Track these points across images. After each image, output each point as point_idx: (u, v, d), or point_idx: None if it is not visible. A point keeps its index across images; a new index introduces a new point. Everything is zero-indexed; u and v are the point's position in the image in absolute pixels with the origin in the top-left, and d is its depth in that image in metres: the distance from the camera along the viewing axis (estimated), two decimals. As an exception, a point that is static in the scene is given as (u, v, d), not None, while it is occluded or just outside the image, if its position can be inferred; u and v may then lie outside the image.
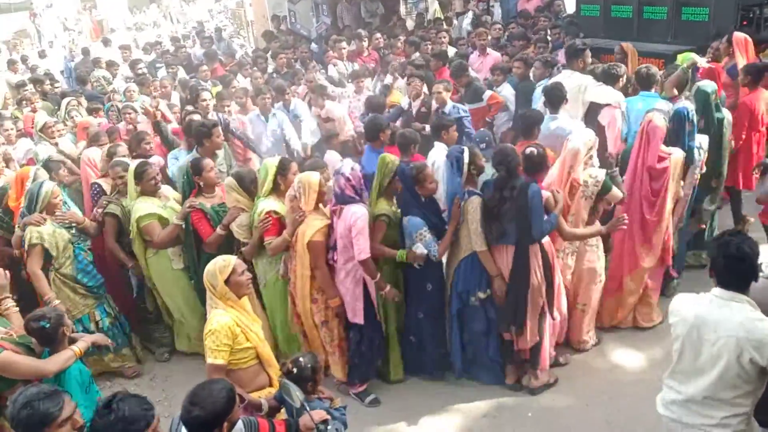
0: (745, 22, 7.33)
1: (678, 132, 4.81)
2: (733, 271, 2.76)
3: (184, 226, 4.81)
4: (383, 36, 10.13)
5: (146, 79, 8.73)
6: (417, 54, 8.63)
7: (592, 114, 5.78)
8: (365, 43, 9.60)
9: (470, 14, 11.14)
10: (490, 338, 4.49)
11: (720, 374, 2.72)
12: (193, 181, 4.88)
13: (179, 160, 5.82)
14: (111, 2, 30.58)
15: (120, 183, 5.09)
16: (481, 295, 4.34)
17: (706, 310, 2.79)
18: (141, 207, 4.82)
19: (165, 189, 5.17)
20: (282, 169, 4.56)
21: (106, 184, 5.31)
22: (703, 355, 2.78)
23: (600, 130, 5.37)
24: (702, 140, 4.99)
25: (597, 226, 4.51)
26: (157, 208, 4.87)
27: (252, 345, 3.37)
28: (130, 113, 6.98)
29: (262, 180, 4.60)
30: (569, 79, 5.93)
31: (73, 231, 4.86)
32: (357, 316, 4.36)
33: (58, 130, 6.76)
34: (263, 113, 6.89)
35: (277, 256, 4.54)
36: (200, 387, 2.66)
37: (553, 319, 4.43)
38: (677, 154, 4.73)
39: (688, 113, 4.84)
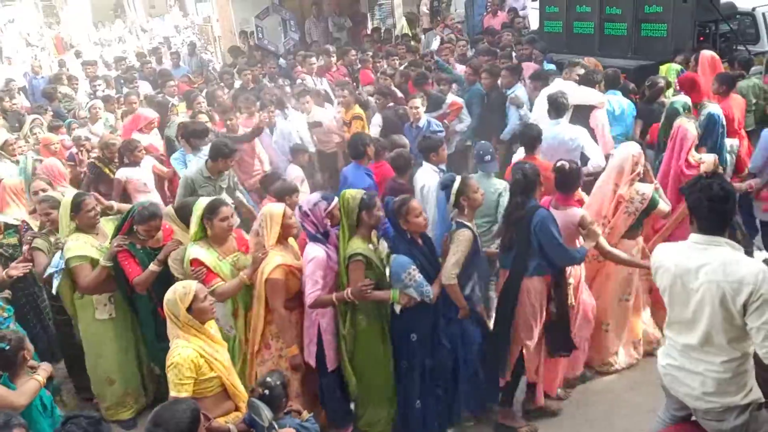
0: (702, 38, 7.58)
1: (710, 135, 4.91)
2: (717, 212, 2.74)
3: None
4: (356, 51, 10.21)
5: (110, 96, 8.62)
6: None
7: (578, 117, 5.87)
8: (333, 59, 9.65)
9: (438, 38, 11.28)
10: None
11: (709, 320, 2.71)
12: (126, 221, 4.29)
13: (187, 164, 5.88)
14: (75, 17, 30.15)
15: (47, 220, 4.60)
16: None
17: (686, 258, 2.79)
18: (73, 246, 4.22)
19: (103, 226, 4.56)
20: (209, 212, 3.94)
21: (33, 222, 4.92)
22: (690, 304, 2.78)
23: (592, 133, 5.56)
24: (733, 143, 5.08)
25: (638, 259, 4.27)
26: (92, 249, 4.28)
27: (216, 374, 3.23)
28: (84, 144, 6.79)
29: (192, 221, 4.03)
30: (553, 85, 6.11)
31: None
32: (310, 357, 3.98)
33: (20, 147, 6.60)
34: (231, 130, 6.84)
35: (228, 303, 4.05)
36: (163, 408, 2.62)
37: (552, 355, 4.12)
38: (708, 159, 4.74)
39: (719, 117, 4.92)
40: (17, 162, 6.37)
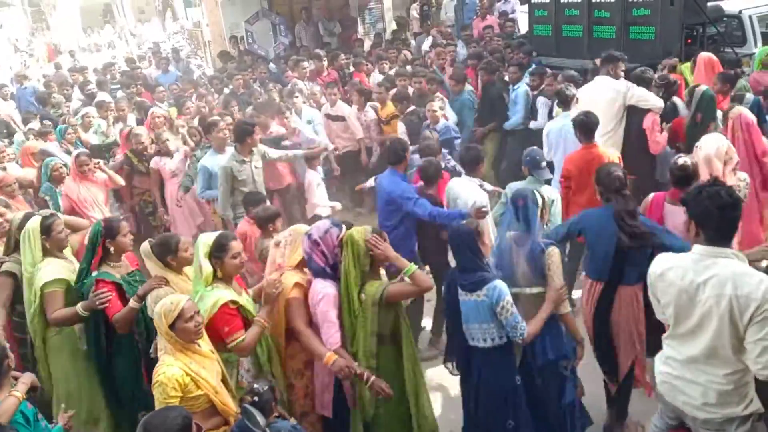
0: (689, 41, 7.63)
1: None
2: (727, 221, 2.63)
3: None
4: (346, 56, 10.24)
5: (103, 102, 8.59)
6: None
7: (631, 118, 5.99)
8: (325, 63, 9.66)
9: (430, 38, 11.34)
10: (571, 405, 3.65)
11: (716, 333, 2.63)
12: (98, 245, 3.83)
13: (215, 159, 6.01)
14: (64, 23, 30.02)
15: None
16: (565, 363, 3.55)
17: (693, 271, 2.68)
18: (48, 271, 3.88)
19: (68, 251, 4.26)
20: (217, 251, 3.50)
21: None
22: (696, 317, 2.70)
23: (642, 134, 5.75)
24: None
25: None
26: (68, 273, 3.96)
27: (203, 392, 3.10)
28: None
29: (198, 265, 3.54)
30: (603, 83, 6.11)
31: None
32: (326, 408, 3.63)
33: (8, 156, 6.58)
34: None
35: (231, 360, 3.56)
36: (154, 414, 2.58)
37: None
38: None
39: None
40: (4, 169, 6.33)
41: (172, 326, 3.05)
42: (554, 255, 3.45)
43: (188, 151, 6.61)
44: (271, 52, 12.41)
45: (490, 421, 3.47)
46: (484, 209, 4.18)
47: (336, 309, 3.46)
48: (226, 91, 9.22)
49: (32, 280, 3.91)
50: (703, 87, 5.68)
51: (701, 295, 2.65)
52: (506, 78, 7.52)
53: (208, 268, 3.48)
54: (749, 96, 5.55)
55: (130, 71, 11.72)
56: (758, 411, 2.76)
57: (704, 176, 4.18)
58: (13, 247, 4.16)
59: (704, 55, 6.65)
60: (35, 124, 7.88)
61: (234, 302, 3.46)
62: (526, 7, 10.57)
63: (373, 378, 3.36)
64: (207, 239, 3.55)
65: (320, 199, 6.39)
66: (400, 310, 3.55)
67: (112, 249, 3.85)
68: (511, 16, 11.48)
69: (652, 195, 4.25)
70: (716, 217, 2.63)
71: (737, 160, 4.42)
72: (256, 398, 3.14)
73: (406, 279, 3.49)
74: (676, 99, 6.14)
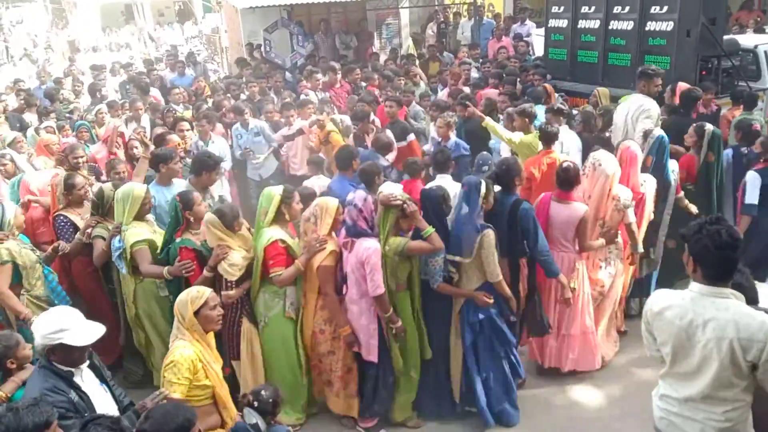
0: (704, 72, 7.68)
1: (660, 157, 5.25)
2: (726, 261, 2.60)
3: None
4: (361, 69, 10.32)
5: (115, 102, 8.68)
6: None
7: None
8: (338, 75, 9.75)
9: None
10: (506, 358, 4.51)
11: (715, 375, 2.61)
12: (181, 217, 4.50)
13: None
14: (84, 21, 30.34)
15: (79, 195, 5.01)
16: (513, 318, 4.46)
17: (691, 311, 2.65)
18: (134, 232, 4.57)
19: (150, 216, 4.88)
20: (286, 198, 4.37)
21: (71, 215, 5.05)
22: (695, 357, 2.67)
23: None
24: (674, 166, 5.38)
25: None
26: (149, 233, 4.65)
27: (210, 384, 3.26)
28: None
29: (263, 209, 4.37)
30: (634, 100, 6.17)
31: (38, 253, 4.63)
32: (372, 354, 4.26)
33: (25, 146, 6.68)
34: (202, 139, 6.98)
35: (279, 292, 4.35)
36: (160, 406, 2.65)
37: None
38: (651, 182, 5.11)
39: (667, 140, 5.28)
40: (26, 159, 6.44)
41: (196, 313, 3.27)
42: (487, 236, 4.13)
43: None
44: (287, 61, 12.52)
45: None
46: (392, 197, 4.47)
47: (380, 261, 4.10)
48: (243, 97, 9.29)
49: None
50: (711, 127, 5.70)
51: (701, 336, 2.63)
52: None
53: (272, 213, 4.30)
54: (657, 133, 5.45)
55: (146, 72, 11.83)
56: None
57: (600, 190, 4.75)
58: (104, 214, 4.87)
59: (683, 85, 6.84)
60: (50, 122, 7.95)
61: (283, 241, 4.22)
62: (541, 31, 10.66)
63: (397, 324, 4.18)
64: (276, 190, 4.40)
65: None
66: (415, 263, 4.27)
67: (191, 219, 4.49)
68: (525, 39, 11.57)
69: (541, 195, 4.85)
70: (715, 257, 2.59)
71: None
72: (255, 402, 3.15)
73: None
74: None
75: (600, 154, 4.86)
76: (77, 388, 2.94)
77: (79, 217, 5.07)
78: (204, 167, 5.15)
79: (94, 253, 4.84)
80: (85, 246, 4.88)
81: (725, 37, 8.09)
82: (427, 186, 5.12)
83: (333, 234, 4.38)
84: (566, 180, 4.63)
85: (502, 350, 4.42)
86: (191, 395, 3.20)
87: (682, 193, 5.46)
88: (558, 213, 4.68)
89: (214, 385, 3.27)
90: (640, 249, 5.04)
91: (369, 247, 4.06)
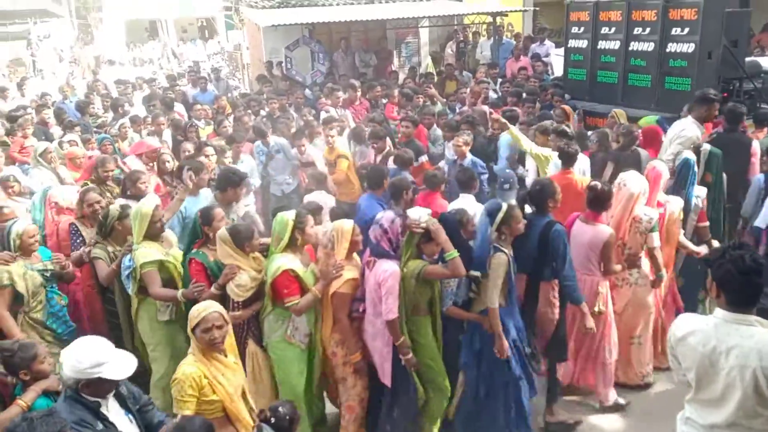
0: (726, 94, 7.63)
1: (683, 180, 5.19)
2: (750, 286, 2.57)
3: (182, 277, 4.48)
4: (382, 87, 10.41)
5: (137, 116, 8.82)
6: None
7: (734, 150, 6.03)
8: (358, 93, 9.85)
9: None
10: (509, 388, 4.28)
11: (739, 404, 2.58)
12: (200, 231, 4.48)
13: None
14: (109, 37, 31.00)
15: (90, 212, 4.99)
16: (528, 349, 4.29)
17: (715, 337, 2.62)
18: (143, 253, 4.44)
19: (168, 234, 4.82)
20: (299, 223, 4.23)
21: (82, 226, 5.11)
22: (719, 384, 2.64)
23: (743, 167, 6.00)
24: (700, 192, 5.31)
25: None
26: (160, 255, 4.50)
27: (218, 398, 3.23)
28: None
29: (277, 234, 4.23)
30: (682, 124, 6.08)
31: (48, 274, 4.53)
32: (386, 377, 4.14)
33: (52, 156, 6.80)
34: (234, 161, 7.11)
35: (284, 314, 4.21)
36: (179, 426, 2.65)
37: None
38: (674, 204, 5.00)
39: (693, 163, 5.24)
40: (52, 169, 6.59)
41: (193, 330, 3.24)
42: (495, 259, 4.05)
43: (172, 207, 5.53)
44: (308, 78, 12.67)
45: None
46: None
47: (398, 285, 3.99)
48: (263, 113, 9.42)
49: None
50: (708, 147, 5.71)
51: (724, 363, 2.60)
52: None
53: (286, 239, 4.17)
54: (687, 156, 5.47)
55: (169, 88, 12.04)
56: None
57: (621, 210, 4.69)
58: (107, 234, 4.76)
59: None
60: (73, 135, 8.08)
61: (293, 270, 4.08)
62: (560, 51, 10.69)
63: (408, 356, 4.03)
64: (288, 215, 4.24)
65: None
66: (437, 288, 4.17)
67: (210, 234, 4.40)
68: (544, 58, 11.61)
69: (572, 215, 4.76)
70: (738, 282, 2.57)
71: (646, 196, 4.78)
72: (272, 419, 3.16)
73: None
74: (641, 150, 6.21)
75: (627, 175, 4.79)
76: (104, 419, 2.90)
77: (91, 231, 5.02)
78: (229, 183, 5.21)
79: (99, 274, 4.74)
80: (88, 262, 4.83)
81: (747, 59, 8.05)
82: (449, 207, 5.18)
83: (354, 256, 4.28)
84: (595, 200, 4.54)
85: (503, 381, 4.20)
86: (202, 409, 3.21)
87: (707, 223, 5.32)
88: (582, 234, 4.57)
89: (222, 400, 3.23)
90: (664, 275, 4.86)
91: (387, 269, 3.97)
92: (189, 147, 7.04)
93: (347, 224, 4.18)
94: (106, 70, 17.24)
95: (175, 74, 15.80)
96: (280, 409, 3.22)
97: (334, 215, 5.08)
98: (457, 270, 3.94)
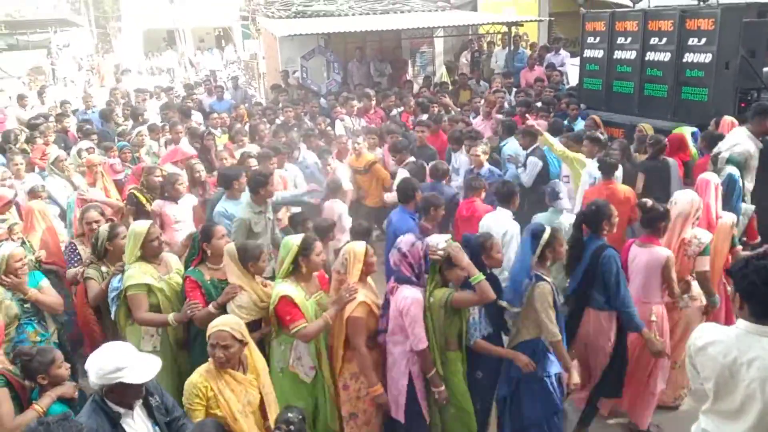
0: (743, 104, 7.56)
1: (729, 196, 5.15)
2: None
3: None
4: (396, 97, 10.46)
5: (155, 125, 8.91)
6: (425, 115, 8.96)
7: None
8: (373, 102, 9.89)
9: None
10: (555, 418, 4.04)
11: (759, 417, 2.53)
12: (197, 250, 4.31)
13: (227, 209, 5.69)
14: (127, 46, 31.41)
15: (89, 230, 4.86)
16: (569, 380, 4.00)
17: (736, 348, 2.58)
18: (133, 274, 4.19)
19: (168, 257, 4.58)
20: (305, 249, 3.95)
21: (81, 245, 5.05)
22: (738, 395, 2.60)
23: None
24: (747, 208, 5.29)
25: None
26: (150, 278, 4.23)
27: (221, 414, 3.20)
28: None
29: (281, 259, 4.03)
30: (736, 137, 5.96)
31: (27, 305, 4.25)
32: (399, 412, 3.87)
33: (67, 165, 6.91)
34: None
35: (287, 341, 3.95)
36: (199, 426, 2.68)
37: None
38: (728, 217, 4.93)
39: (738, 178, 5.23)
40: (69, 179, 6.70)
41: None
42: (539, 289, 3.79)
43: (200, 202, 6.28)
44: (323, 87, 12.76)
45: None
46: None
47: (422, 312, 3.76)
48: (278, 121, 9.48)
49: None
50: (727, 153, 5.68)
51: (744, 375, 2.56)
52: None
53: (287, 265, 3.95)
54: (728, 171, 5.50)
55: (186, 96, 12.16)
56: None
57: (670, 231, 4.47)
58: (101, 255, 4.61)
59: (727, 118, 6.72)
60: (89, 143, 8.18)
61: (290, 297, 3.81)
62: (575, 60, 10.67)
63: (439, 389, 3.79)
64: (295, 240, 4.01)
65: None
66: (464, 318, 3.87)
67: (209, 252, 4.24)
68: (559, 68, 11.59)
69: (629, 241, 4.57)
70: (762, 293, 2.52)
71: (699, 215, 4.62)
72: (291, 427, 3.13)
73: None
74: (670, 159, 6.23)
75: (680, 193, 4.64)
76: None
77: (89, 250, 4.86)
78: (259, 184, 5.44)
79: (89, 294, 4.55)
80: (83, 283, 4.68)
81: (765, 69, 7.98)
82: (483, 218, 5.18)
83: (369, 280, 4.06)
84: (649, 220, 4.33)
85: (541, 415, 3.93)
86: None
87: (758, 239, 5.24)
88: (638, 259, 4.31)
89: (225, 417, 3.21)
90: (717, 301, 4.60)
91: (407, 296, 3.73)
92: (225, 155, 7.29)
93: (359, 246, 3.95)
94: (123, 79, 17.45)
95: (192, 83, 15.97)
96: (290, 414, 3.21)
97: (356, 226, 5.08)
98: (486, 294, 3.67)
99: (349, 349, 3.89)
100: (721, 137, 6.24)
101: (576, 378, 3.96)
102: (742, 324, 2.62)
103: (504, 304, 3.88)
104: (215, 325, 3.28)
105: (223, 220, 5.46)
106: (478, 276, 3.68)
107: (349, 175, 7.29)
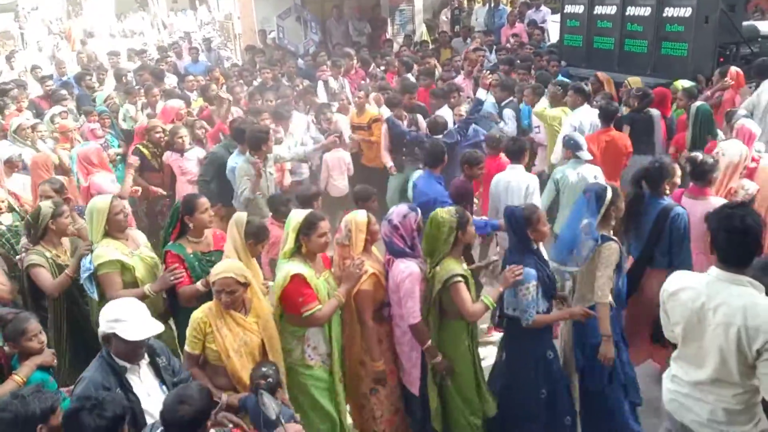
0: (722, 59, 7.58)
1: None
2: (736, 245, 2.58)
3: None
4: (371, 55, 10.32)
5: (132, 88, 8.70)
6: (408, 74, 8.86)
7: None
8: (354, 61, 9.74)
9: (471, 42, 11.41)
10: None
11: (722, 360, 2.60)
12: (177, 220, 4.06)
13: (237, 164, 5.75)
14: (98, 8, 30.42)
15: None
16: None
17: (705, 294, 2.65)
18: (103, 252, 3.90)
19: (134, 232, 4.35)
20: (307, 228, 3.63)
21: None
22: (704, 341, 2.66)
23: None
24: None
25: None
26: (121, 255, 3.96)
27: (215, 348, 3.32)
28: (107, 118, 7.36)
29: (284, 236, 3.74)
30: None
31: None
32: (413, 386, 3.78)
33: (40, 132, 6.74)
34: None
35: (298, 333, 3.66)
36: (182, 388, 2.70)
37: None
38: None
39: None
40: (31, 145, 6.56)
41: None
42: (606, 249, 3.64)
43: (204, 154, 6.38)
44: (300, 48, 12.51)
45: (522, 390, 3.75)
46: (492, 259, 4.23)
47: (420, 285, 3.63)
48: (255, 83, 9.30)
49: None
50: (698, 103, 5.86)
51: (711, 320, 2.63)
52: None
53: (290, 243, 3.63)
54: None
55: (160, 59, 11.85)
56: (767, 430, 2.74)
57: (719, 182, 4.44)
58: (39, 237, 4.21)
59: (734, 69, 6.78)
60: (65, 105, 7.97)
61: (302, 276, 3.54)
62: (557, 17, 10.56)
63: (436, 359, 3.64)
64: (298, 216, 3.69)
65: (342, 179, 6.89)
66: (472, 288, 3.70)
67: (191, 225, 4.03)
68: (540, 25, 11.46)
69: (676, 191, 4.43)
70: (723, 240, 2.60)
71: (745, 165, 4.63)
72: (270, 380, 3.20)
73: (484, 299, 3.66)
74: (654, 111, 6.33)
75: (725, 144, 4.61)
76: (128, 390, 2.91)
77: None
78: (260, 141, 5.61)
79: (42, 284, 4.07)
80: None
81: (744, 23, 7.99)
82: (497, 176, 5.19)
83: (373, 250, 3.87)
84: (699, 173, 4.23)
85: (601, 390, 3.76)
86: (206, 353, 3.38)
87: None
88: (692, 211, 4.12)
89: (220, 351, 3.31)
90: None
91: (403, 270, 3.60)
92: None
93: (361, 215, 3.76)
94: (92, 42, 16.93)
95: (166, 45, 15.56)
96: (263, 368, 3.28)
97: (359, 191, 4.98)
98: (477, 315, 3.58)
99: (360, 323, 3.76)
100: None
101: (611, 352, 3.67)
102: (713, 271, 2.68)
103: (566, 267, 3.76)
104: (219, 273, 3.32)
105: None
106: (491, 301, 3.58)
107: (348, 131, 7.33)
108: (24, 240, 4.45)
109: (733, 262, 2.62)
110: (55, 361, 3.46)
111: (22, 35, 23.98)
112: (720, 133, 5.83)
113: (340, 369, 3.78)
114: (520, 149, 5.32)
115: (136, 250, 4.11)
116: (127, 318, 2.93)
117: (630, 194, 4.21)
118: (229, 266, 3.39)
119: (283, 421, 2.98)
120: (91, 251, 3.95)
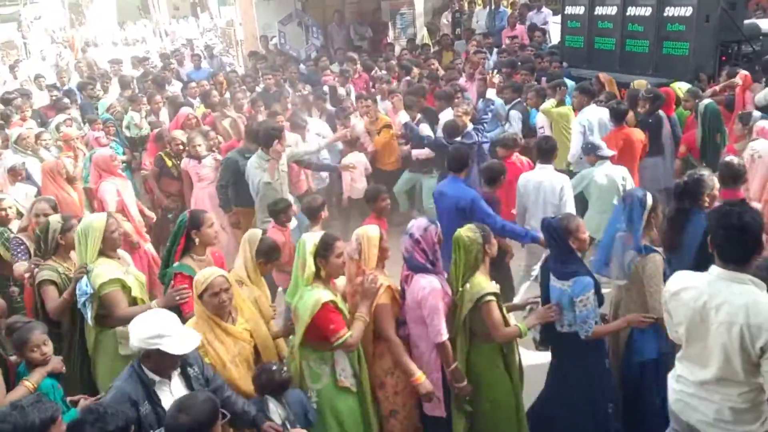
0: (723, 58, 7.58)
1: None
2: (733, 243, 2.57)
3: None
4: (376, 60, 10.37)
5: (136, 96, 8.75)
6: (408, 77, 8.89)
7: None
8: (357, 66, 9.78)
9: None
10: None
11: (726, 359, 2.60)
12: (180, 235, 3.93)
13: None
14: (100, 16, 30.57)
15: (36, 222, 4.38)
16: None
17: (707, 293, 2.64)
18: (103, 271, 3.78)
19: (121, 252, 4.21)
20: (324, 250, 3.49)
21: (28, 240, 4.58)
22: (708, 340, 2.66)
23: None
24: None
25: None
26: (120, 273, 3.87)
27: (209, 361, 3.25)
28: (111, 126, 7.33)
29: (300, 261, 3.59)
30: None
31: None
32: (434, 409, 3.60)
33: (44, 141, 6.78)
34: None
35: (325, 357, 3.50)
36: (186, 397, 2.69)
37: None
38: None
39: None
40: (33, 154, 6.60)
41: (200, 296, 3.28)
42: (652, 261, 3.47)
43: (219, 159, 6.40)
44: (302, 53, 12.55)
45: (581, 405, 3.57)
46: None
47: (443, 302, 3.50)
48: (258, 89, 9.34)
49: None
50: (706, 101, 5.90)
51: (713, 319, 2.63)
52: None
53: (311, 267, 3.49)
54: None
55: (163, 67, 11.91)
56: None
57: (759, 183, 4.44)
58: (52, 251, 4.12)
59: (743, 71, 6.78)
60: (68, 113, 8.02)
61: (333, 302, 3.45)
62: (558, 18, 10.57)
63: (461, 384, 3.50)
64: (313, 238, 3.57)
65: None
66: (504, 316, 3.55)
67: (197, 240, 3.92)
68: (541, 26, 11.47)
69: None
70: (721, 237, 2.60)
71: None
72: (275, 376, 3.21)
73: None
74: (661, 112, 6.38)
75: (759, 144, 4.58)
76: (156, 403, 2.86)
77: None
78: (272, 138, 5.60)
79: (48, 304, 3.93)
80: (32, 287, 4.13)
81: (746, 21, 7.97)
82: (523, 176, 5.23)
83: (383, 265, 3.73)
84: (733, 177, 4.17)
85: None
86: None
87: None
88: None
89: (214, 365, 3.27)
90: None
91: (424, 286, 3.46)
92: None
93: (373, 229, 3.65)
94: (93, 51, 17.04)
95: (168, 53, 15.63)
96: (273, 367, 3.28)
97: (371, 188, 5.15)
98: (508, 339, 3.49)
99: (378, 344, 3.62)
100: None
101: None
102: (714, 270, 2.68)
103: (608, 280, 3.59)
104: (210, 274, 3.29)
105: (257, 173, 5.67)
106: (526, 331, 3.52)
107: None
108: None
109: (731, 260, 2.62)
110: (64, 368, 3.46)
111: (26, 44, 24.10)
112: (738, 127, 5.67)
113: (369, 389, 3.64)
114: (552, 148, 5.32)
115: (129, 269, 4.07)
116: (170, 332, 2.84)
117: (672, 210, 4.08)
118: (212, 269, 3.43)
119: (289, 426, 3.00)
120: (86, 273, 3.78)
